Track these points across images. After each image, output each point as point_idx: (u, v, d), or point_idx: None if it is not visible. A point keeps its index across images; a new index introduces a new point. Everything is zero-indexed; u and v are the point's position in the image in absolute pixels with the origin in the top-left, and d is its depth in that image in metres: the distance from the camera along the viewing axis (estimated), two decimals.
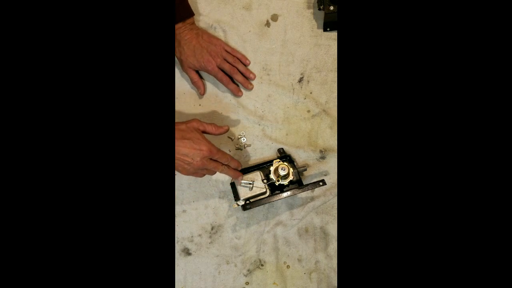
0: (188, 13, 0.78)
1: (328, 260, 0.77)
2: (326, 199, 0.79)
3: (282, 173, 0.70)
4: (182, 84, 0.83)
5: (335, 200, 0.79)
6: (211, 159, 0.64)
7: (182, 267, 0.77)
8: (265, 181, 0.74)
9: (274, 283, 0.77)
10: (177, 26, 0.77)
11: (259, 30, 0.85)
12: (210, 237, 0.78)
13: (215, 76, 0.80)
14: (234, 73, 0.80)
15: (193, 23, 0.80)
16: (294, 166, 0.75)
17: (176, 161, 0.61)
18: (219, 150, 0.65)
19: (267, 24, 0.85)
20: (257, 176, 0.74)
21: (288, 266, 0.77)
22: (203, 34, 0.80)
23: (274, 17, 0.85)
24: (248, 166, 0.78)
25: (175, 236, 0.77)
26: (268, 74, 0.83)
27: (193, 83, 0.81)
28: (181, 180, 0.79)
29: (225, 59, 0.80)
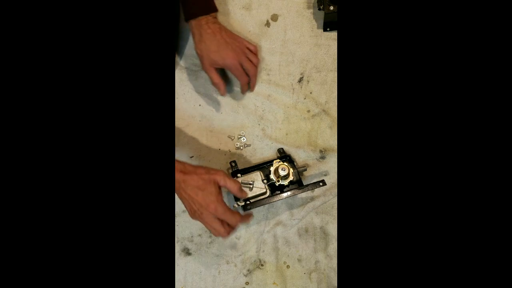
0: (212, 7, 0.75)
1: (328, 260, 0.77)
2: (326, 199, 0.79)
3: (282, 173, 0.70)
4: (182, 84, 0.83)
5: (335, 200, 0.79)
6: (217, 218, 0.63)
7: (182, 267, 0.77)
8: (265, 181, 0.74)
9: (274, 283, 0.77)
10: (199, 19, 0.72)
11: (259, 30, 0.85)
12: (210, 237, 0.78)
13: (235, 71, 0.75)
14: (252, 74, 0.78)
15: (216, 17, 0.76)
16: (294, 166, 0.75)
17: (190, 203, 0.62)
18: (226, 212, 0.62)
19: (267, 24, 0.85)
20: (257, 176, 0.74)
21: (288, 266, 0.77)
22: (225, 29, 0.76)
23: (274, 17, 0.85)
24: (248, 166, 0.78)
25: (175, 236, 0.77)
26: (268, 74, 0.83)
27: (213, 84, 0.76)
28: None
29: (247, 57, 0.77)
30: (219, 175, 0.63)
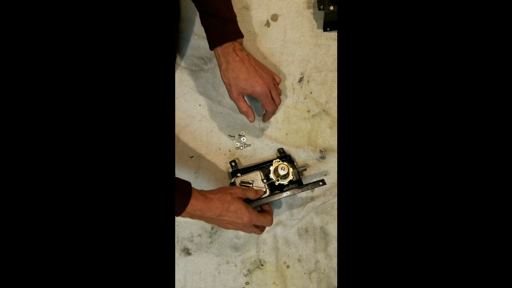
0: (238, 33, 0.72)
1: (328, 260, 0.77)
2: (326, 199, 0.79)
3: (282, 173, 0.70)
4: (182, 84, 0.83)
5: (335, 200, 0.79)
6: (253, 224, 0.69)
7: (182, 267, 0.77)
8: (265, 181, 0.74)
9: (274, 283, 0.77)
10: (225, 46, 0.70)
11: (259, 30, 0.85)
12: (210, 237, 0.78)
13: (264, 99, 0.72)
14: (278, 104, 0.75)
15: (242, 43, 0.73)
16: (294, 166, 0.75)
17: (223, 224, 0.67)
18: (259, 217, 0.67)
19: (267, 24, 0.85)
20: (257, 176, 0.74)
21: (288, 266, 0.77)
22: (253, 56, 0.73)
23: (274, 17, 0.85)
24: (248, 166, 0.78)
25: (175, 236, 0.77)
26: None
27: (242, 112, 0.73)
28: None
29: (274, 86, 0.74)
30: (238, 191, 0.68)
